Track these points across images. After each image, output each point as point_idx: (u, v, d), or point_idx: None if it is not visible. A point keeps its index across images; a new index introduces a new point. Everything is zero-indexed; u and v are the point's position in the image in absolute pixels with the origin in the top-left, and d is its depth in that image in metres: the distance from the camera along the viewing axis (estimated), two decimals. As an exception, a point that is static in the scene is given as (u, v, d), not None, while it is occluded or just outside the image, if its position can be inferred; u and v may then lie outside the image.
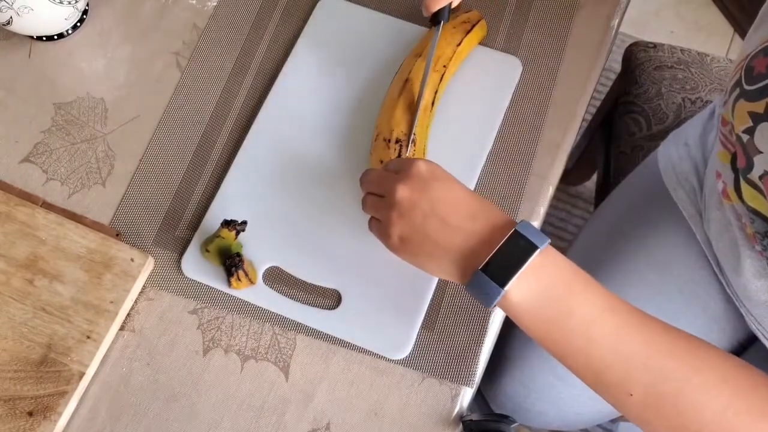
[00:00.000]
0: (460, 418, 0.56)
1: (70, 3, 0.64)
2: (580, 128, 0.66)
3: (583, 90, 0.66)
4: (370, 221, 0.54)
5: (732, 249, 0.60)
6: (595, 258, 0.74)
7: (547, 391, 0.72)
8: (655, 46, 0.94)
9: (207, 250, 0.58)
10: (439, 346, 0.58)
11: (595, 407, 0.73)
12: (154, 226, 0.62)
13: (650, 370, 0.44)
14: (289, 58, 0.67)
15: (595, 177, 1.30)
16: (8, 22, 0.62)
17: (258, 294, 0.59)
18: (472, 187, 0.62)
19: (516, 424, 0.54)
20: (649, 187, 0.74)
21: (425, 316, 0.58)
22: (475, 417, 0.55)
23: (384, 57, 0.67)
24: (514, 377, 0.74)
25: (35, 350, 0.56)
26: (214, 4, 0.70)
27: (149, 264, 0.59)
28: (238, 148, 0.63)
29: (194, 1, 0.70)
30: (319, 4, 0.69)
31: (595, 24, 0.68)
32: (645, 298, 0.69)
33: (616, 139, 0.94)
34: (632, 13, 1.50)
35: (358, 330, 0.58)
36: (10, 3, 0.60)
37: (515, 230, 0.46)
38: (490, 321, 0.59)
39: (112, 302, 0.57)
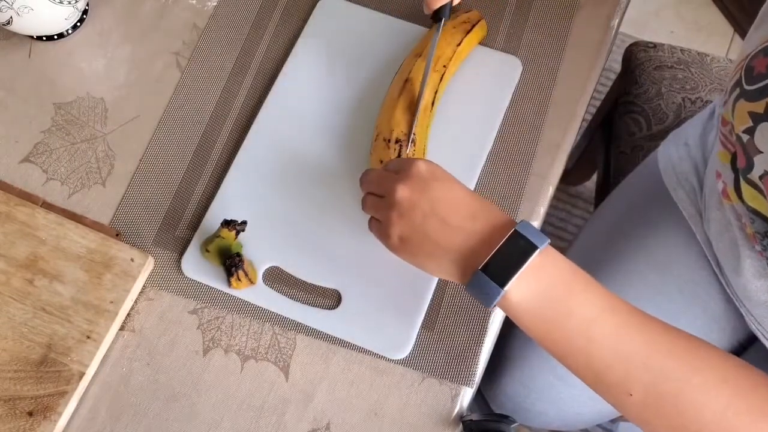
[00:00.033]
0: (460, 418, 0.56)
1: (70, 3, 0.64)
2: (580, 128, 0.66)
3: (583, 90, 0.66)
4: (370, 221, 0.54)
5: (732, 249, 0.60)
6: (595, 258, 0.74)
7: (547, 391, 0.72)
8: (655, 46, 0.94)
9: (207, 250, 0.58)
10: (439, 346, 0.58)
11: (595, 407, 0.73)
12: (154, 226, 0.62)
13: (650, 369, 0.44)
14: (289, 58, 0.67)
15: (595, 177, 1.30)
16: (8, 22, 0.62)
17: (258, 294, 0.59)
18: (472, 187, 0.62)
19: (516, 424, 0.54)
20: (649, 187, 0.74)
21: (425, 316, 0.58)
22: (475, 417, 0.55)
23: (384, 57, 0.67)
24: (514, 377, 0.74)
25: (35, 350, 0.56)
26: (214, 4, 0.70)
27: (149, 264, 0.59)
28: (238, 148, 0.64)
29: (194, 1, 0.70)
30: (319, 4, 0.69)
31: (595, 24, 0.68)
32: (645, 298, 0.69)
33: (616, 139, 0.94)
34: (632, 13, 1.50)
35: (358, 330, 0.58)
36: (10, 3, 0.60)
37: (515, 230, 0.46)
38: (490, 321, 0.59)
39: (112, 302, 0.57)
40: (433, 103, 0.62)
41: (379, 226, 0.52)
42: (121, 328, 0.59)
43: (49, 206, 0.62)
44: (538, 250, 0.45)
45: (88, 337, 0.56)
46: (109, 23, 0.69)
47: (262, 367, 0.58)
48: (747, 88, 0.49)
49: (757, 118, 0.48)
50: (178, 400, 0.57)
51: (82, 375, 0.55)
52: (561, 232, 1.38)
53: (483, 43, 0.67)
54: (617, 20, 0.69)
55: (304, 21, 0.68)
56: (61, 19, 0.65)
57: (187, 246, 0.60)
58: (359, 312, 0.58)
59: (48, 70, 0.68)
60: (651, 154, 0.78)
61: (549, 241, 0.46)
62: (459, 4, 0.62)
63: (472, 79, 0.65)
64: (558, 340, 0.46)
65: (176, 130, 0.65)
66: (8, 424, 0.54)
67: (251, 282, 0.58)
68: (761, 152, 0.49)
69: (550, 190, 0.63)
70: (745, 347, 0.72)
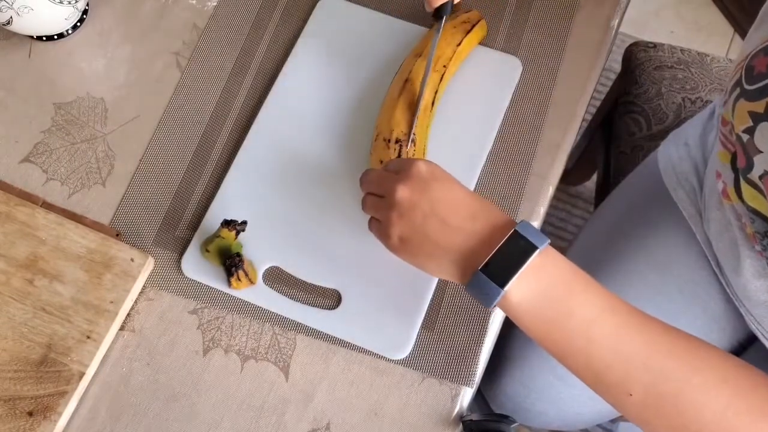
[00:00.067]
0: (460, 418, 0.56)
1: (70, 3, 0.64)
2: (580, 128, 0.66)
3: (583, 90, 0.66)
4: (370, 221, 0.54)
5: (732, 249, 0.60)
6: (595, 258, 0.74)
7: (547, 391, 0.72)
8: (655, 46, 0.94)
9: (207, 250, 0.58)
10: (439, 346, 0.58)
11: (595, 407, 0.73)
12: (154, 226, 0.62)
13: (650, 370, 0.44)
14: (289, 58, 0.67)
15: (595, 177, 1.30)
16: (8, 22, 0.62)
17: (258, 294, 0.59)
18: (472, 187, 0.62)
19: (516, 424, 0.54)
20: (649, 187, 0.74)
21: (425, 316, 0.58)
22: (475, 417, 0.55)
23: (384, 57, 0.67)
24: (514, 377, 0.74)
25: (35, 350, 0.56)
26: (214, 4, 0.70)
27: (149, 264, 0.59)
28: (238, 148, 0.64)
29: (194, 1, 0.70)
30: (319, 4, 0.69)
31: (595, 24, 0.68)
32: (645, 298, 0.69)
33: (616, 139, 0.94)
34: (632, 13, 1.50)
35: (358, 330, 0.58)
36: (10, 3, 0.60)
37: (515, 230, 0.46)
38: (490, 321, 0.59)
39: (112, 302, 0.57)
40: (433, 103, 0.62)
41: (379, 227, 0.52)
42: (121, 328, 0.59)
43: (49, 206, 0.62)
44: (538, 251, 0.45)
45: (88, 337, 0.56)
46: (109, 23, 0.69)
47: (262, 367, 0.58)
48: (747, 87, 0.49)
49: (757, 118, 0.48)
50: (178, 400, 0.57)
51: (82, 375, 0.55)
52: (561, 232, 1.38)
53: (483, 43, 0.67)
54: (617, 20, 0.69)
55: (304, 21, 0.68)
56: (61, 19, 0.65)
57: (187, 246, 0.60)
58: (359, 312, 0.58)
59: (48, 70, 0.68)
60: (651, 154, 0.78)
61: (549, 241, 0.46)
62: (459, 3, 0.62)
63: (472, 79, 0.65)
64: (558, 340, 0.46)
65: (176, 130, 0.65)
66: (8, 424, 0.54)
67: (251, 282, 0.58)
68: (761, 152, 0.49)
69: (550, 190, 0.63)
70: (745, 347, 0.72)
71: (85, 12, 0.69)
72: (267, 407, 0.57)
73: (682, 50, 0.94)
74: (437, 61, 0.62)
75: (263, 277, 0.59)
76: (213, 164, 0.64)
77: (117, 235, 0.61)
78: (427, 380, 0.57)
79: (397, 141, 0.59)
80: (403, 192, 0.49)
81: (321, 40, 0.67)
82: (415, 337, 0.57)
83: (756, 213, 0.53)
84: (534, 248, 0.45)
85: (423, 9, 0.68)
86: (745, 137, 0.50)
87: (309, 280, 0.59)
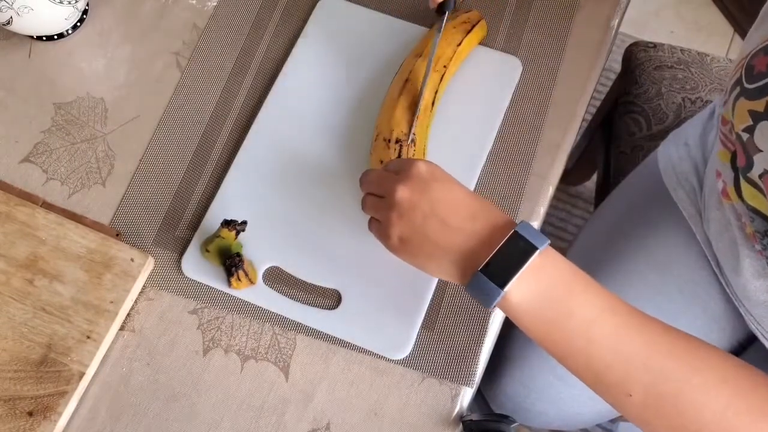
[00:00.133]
0: (460, 418, 0.56)
1: (70, 3, 0.64)
2: (580, 128, 0.66)
3: (583, 90, 0.66)
4: (369, 222, 0.54)
5: (731, 249, 0.60)
6: (595, 258, 0.74)
7: (547, 391, 0.72)
8: (655, 46, 0.94)
9: (207, 250, 0.58)
10: (439, 346, 0.58)
11: (594, 407, 0.73)
12: (154, 226, 0.62)
13: (650, 370, 0.44)
14: (289, 58, 0.67)
15: (595, 177, 1.30)
16: (8, 22, 0.62)
17: (258, 294, 0.59)
18: (472, 187, 0.62)
19: (516, 424, 0.54)
20: (649, 187, 0.74)
21: (425, 316, 0.58)
22: (475, 417, 0.55)
23: (384, 57, 0.67)
24: (514, 377, 0.74)
25: (35, 350, 0.56)
26: (214, 4, 0.70)
27: (149, 264, 0.59)
28: (238, 148, 0.64)
29: (194, 1, 0.70)
30: (319, 4, 0.69)
31: (595, 24, 0.68)
32: (645, 298, 0.69)
33: (616, 139, 0.94)
34: (632, 13, 1.50)
35: (358, 330, 0.58)
36: (10, 3, 0.60)
37: (515, 231, 0.46)
38: (490, 321, 0.59)
39: (112, 302, 0.57)
40: (433, 103, 0.62)
41: (379, 227, 0.52)
42: (121, 328, 0.59)
43: (49, 206, 0.62)
44: (538, 251, 0.45)
45: (88, 337, 0.56)
46: (109, 23, 0.69)
47: (262, 367, 0.58)
48: (747, 86, 0.49)
49: (757, 117, 0.48)
50: (178, 400, 0.57)
51: (82, 375, 0.55)
52: (561, 232, 1.38)
53: (483, 43, 0.67)
54: (617, 20, 0.69)
55: (304, 21, 0.68)
56: (61, 19, 0.65)
57: (187, 246, 0.60)
58: (359, 312, 0.58)
59: (48, 70, 0.68)
60: (651, 154, 0.78)
61: (549, 241, 0.46)
62: (461, 2, 0.62)
63: (472, 79, 0.65)
64: (558, 340, 0.46)
65: (176, 130, 0.65)
66: (8, 424, 0.54)
67: (251, 282, 0.58)
68: (761, 151, 0.49)
69: (550, 190, 0.63)
70: (745, 347, 0.72)
71: (85, 12, 0.69)
72: (267, 407, 0.57)
73: (682, 50, 0.94)
74: (437, 61, 0.62)
75: (263, 277, 0.59)
76: (213, 164, 0.64)
77: (117, 235, 0.61)
78: (427, 380, 0.57)
79: (397, 141, 0.59)
80: (403, 192, 0.49)
81: (321, 40, 0.67)
82: (415, 337, 0.57)
83: (756, 212, 0.53)
84: (534, 249, 0.45)
85: (423, 9, 0.68)
86: (745, 136, 0.50)
87: (309, 280, 0.59)
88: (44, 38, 0.68)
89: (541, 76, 0.66)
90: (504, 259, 0.45)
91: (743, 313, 0.65)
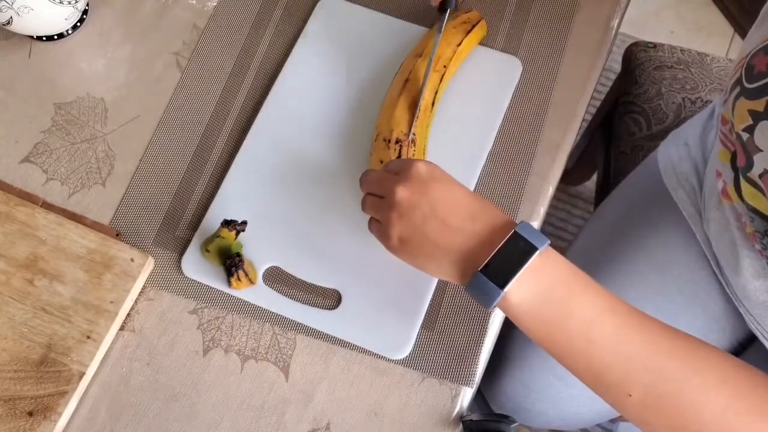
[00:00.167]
0: (460, 418, 0.56)
1: (70, 3, 0.64)
2: (580, 128, 0.66)
3: (583, 90, 0.66)
4: (369, 222, 0.54)
5: (731, 249, 0.60)
6: (595, 258, 0.74)
7: (547, 391, 0.72)
8: (655, 46, 0.94)
9: (207, 250, 0.58)
10: (439, 346, 0.58)
11: (594, 407, 0.73)
12: (154, 226, 0.62)
13: (650, 370, 0.44)
14: (289, 58, 0.67)
15: (595, 177, 1.30)
16: (8, 22, 0.62)
17: (258, 294, 0.59)
18: (472, 187, 0.62)
19: (516, 424, 0.54)
20: (649, 187, 0.74)
21: (425, 316, 0.58)
22: (475, 417, 0.55)
23: (384, 57, 0.67)
24: (514, 377, 0.74)
25: (35, 350, 0.56)
26: (214, 4, 0.70)
27: (149, 264, 0.59)
28: (238, 148, 0.64)
29: (194, 1, 0.70)
30: (319, 4, 0.69)
31: (595, 24, 0.68)
32: (645, 298, 0.69)
33: (616, 139, 0.94)
34: (632, 13, 1.50)
35: (358, 330, 0.58)
36: (10, 3, 0.60)
37: (515, 231, 0.46)
38: (490, 321, 0.59)
39: (112, 302, 0.57)
40: (433, 103, 0.62)
41: (379, 227, 0.52)
42: (121, 328, 0.59)
43: (49, 206, 0.62)
44: (537, 252, 0.45)
45: (88, 337, 0.56)
46: (109, 23, 0.69)
47: (262, 367, 0.58)
48: (747, 86, 0.49)
49: (757, 117, 0.48)
50: (178, 400, 0.57)
51: (82, 375, 0.55)
52: (561, 232, 1.38)
53: (483, 43, 0.67)
54: (617, 20, 0.69)
55: (304, 21, 0.68)
56: (61, 19, 0.65)
57: (187, 246, 0.60)
58: (359, 312, 0.58)
59: (48, 70, 0.68)
60: (651, 154, 0.78)
61: (549, 242, 0.46)
62: (461, 2, 0.62)
63: (472, 79, 0.65)
64: (558, 341, 0.46)
65: (176, 130, 0.65)
66: (8, 424, 0.54)
67: (251, 282, 0.58)
68: (761, 150, 0.49)
69: (550, 190, 0.63)
70: (745, 347, 0.72)
71: (85, 12, 0.69)
72: (267, 407, 0.57)
73: (682, 50, 0.94)
74: (437, 61, 0.62)
75: (263, 277, 0.59)
76: (213, 164, 0.64)
77: (117, 235, 0.61)
78: (427, 380, 0.57)
79: (397, 141, 0.59)
80: (402, 193, 0.49)
81: (321, 40, 0.67)
82: (415, 337, 0.57)
83: (756, 212, 0.53)
84: (534, 249, 0.45)
85: (423, 9, 0.68)
86: (745, 136, 0.50)
87: (309, 280, 0.59)
88: (44, 38, 0.68)
89: (541, 76, 0.66)
90: (504, 259, 0.45)
91: (743, 313, 0.65)
